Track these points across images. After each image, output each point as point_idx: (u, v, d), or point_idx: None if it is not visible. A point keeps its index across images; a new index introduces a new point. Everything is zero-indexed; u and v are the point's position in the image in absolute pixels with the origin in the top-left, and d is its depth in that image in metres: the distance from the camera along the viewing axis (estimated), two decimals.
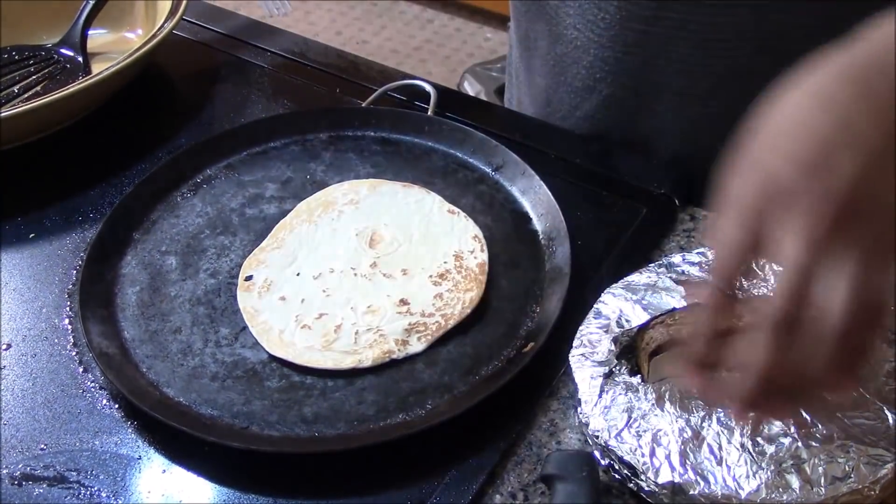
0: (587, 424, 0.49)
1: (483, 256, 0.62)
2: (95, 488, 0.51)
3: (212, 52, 0.86)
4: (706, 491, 0.45)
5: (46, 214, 0.69)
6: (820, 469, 0.44)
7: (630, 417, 0.48)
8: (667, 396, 0.48)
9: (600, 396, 0.50)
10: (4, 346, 0.60)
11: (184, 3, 0.79)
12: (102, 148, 0.75)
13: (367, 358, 0.56)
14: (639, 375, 0.50)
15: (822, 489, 0.44)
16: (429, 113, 0.73)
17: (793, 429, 0.46)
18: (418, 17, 2.51)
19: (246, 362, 0.57)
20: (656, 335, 0.52)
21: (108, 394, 0.56)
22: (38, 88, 0.79)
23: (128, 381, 0.55)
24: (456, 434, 0.52)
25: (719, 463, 0.46)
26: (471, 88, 2.03)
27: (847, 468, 0.44)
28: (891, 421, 0.46)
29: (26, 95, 0.78)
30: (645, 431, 0.47)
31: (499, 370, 0.55)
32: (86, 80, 0.71)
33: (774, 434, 0.46)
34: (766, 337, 0.38)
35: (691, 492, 0.45)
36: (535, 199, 0.66)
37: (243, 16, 0.91)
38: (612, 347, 0.52)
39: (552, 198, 0.64)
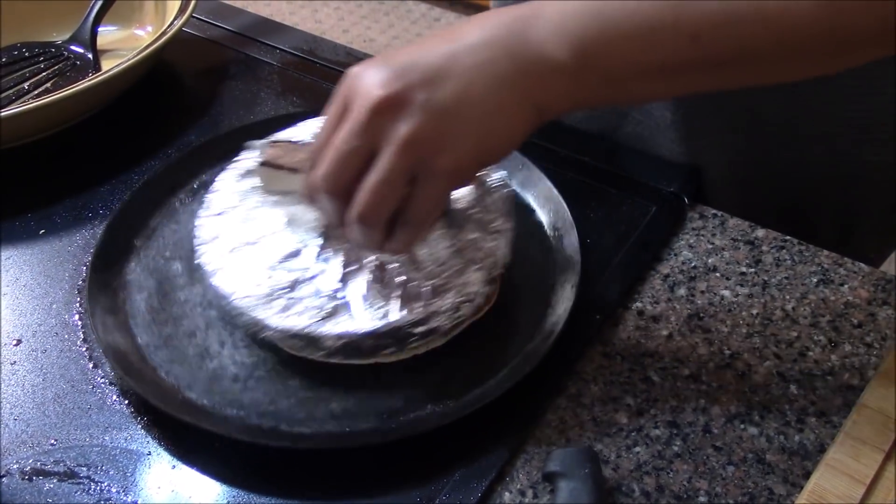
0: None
1: None
2: (105, 483, 0.51)
3: (221, 49, 0.86)
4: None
5: (56, 211, 0.69)
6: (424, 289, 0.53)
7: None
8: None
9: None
10: (15, 342, 0.60)
11: (193, 0, 0.79)
12: (112, 145, 0.76)
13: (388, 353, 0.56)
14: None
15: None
16: None
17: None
18: (425, 16, 2.51)
19: (266, 362, 0.57)
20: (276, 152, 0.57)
21: (117, 389, 0.56)
22: (49, 85, 0.79)
23: (149, 387, 0.54)
24: (465, 432, 0.52)
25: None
26: None
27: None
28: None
29: (36, 92, 0.78)
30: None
31: (524, 358, 0.55)
32: (96, 77, 0.71)
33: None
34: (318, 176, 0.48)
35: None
36: (536, 191, 0.66)
37: (252, 13, 0.91)
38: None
39: (554, 189, 0.65)
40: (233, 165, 0.62)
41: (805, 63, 0.46)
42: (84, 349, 0.59)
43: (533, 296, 0.59)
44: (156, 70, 0.80)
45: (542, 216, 0.65)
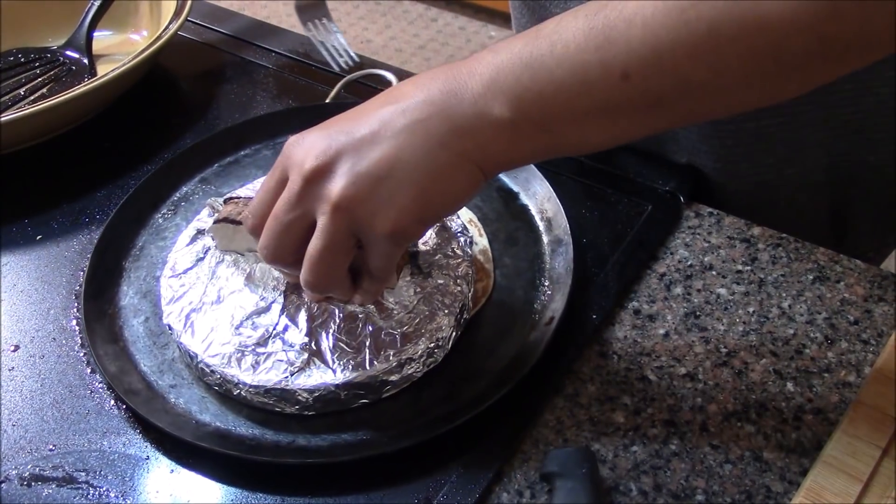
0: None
1: (483, 242, 0.63)
2: (104, 488, 0.52)
3: (216, 52, 0.86)
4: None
5: (53, 216, 0.69)
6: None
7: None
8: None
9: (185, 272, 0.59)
10: (13, 348, 0.60)
11: (188, 4, 0.79)
12: (108, 150, 0.76)
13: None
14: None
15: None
16: None
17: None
18: (422, 16, 2.51)
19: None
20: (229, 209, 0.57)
21: (115, 395, 0.56)
22: (44, 91, 0.79)
23: (160, 415, 0.54)
24: (462, 432, 0.52)
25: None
26: None
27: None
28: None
29: (32, 98, 0.78)
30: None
31: (520, 358, 0.55)
32: (92, 82, 0.71)
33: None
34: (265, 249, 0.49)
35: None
36: (531, 190, 0.66)
37: (247, 16, 0.91)
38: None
39: (537, 172, 0.65)
40: (193, 224, 0.62)
41: (745, 89, 0.43)
42: (82, 354, 0.59)
43: (527, 295, 0.59)
44: (151, 74, 0.81)
45: (526, 199, 0.66)
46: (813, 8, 0.38)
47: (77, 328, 0.61)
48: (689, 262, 0.62)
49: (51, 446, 0.54)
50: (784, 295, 0.60)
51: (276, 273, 0.56)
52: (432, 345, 0.54)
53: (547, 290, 0.59)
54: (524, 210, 0.65)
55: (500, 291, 0.60)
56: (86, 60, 0.82)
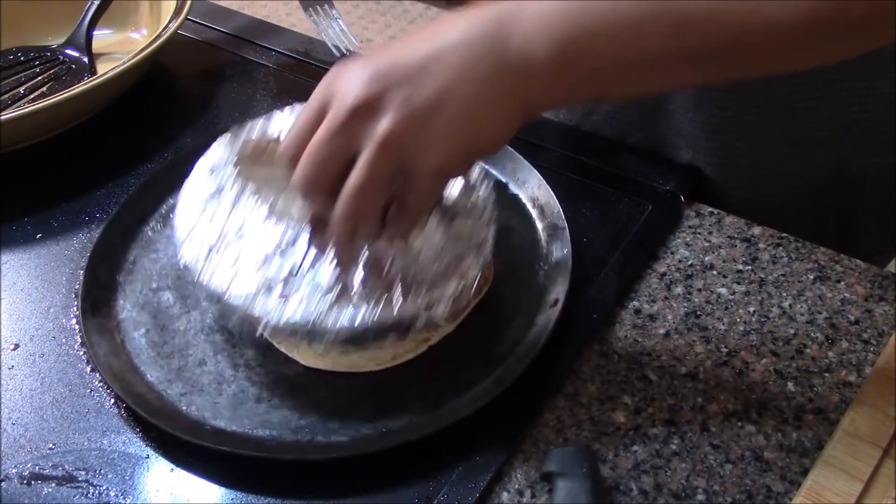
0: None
1: None
2: (104, 487, 0.52)
3: (216, 51, 0.86)
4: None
5: (53, 215, 0.69)
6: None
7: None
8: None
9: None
10: (12, 347, 0.60)
11: (188, 2, 0.79)
12: (108, 148, 0.76)
13: (406, 350, 0.56)
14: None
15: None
16: None
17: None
18: (422, 16, 2.51)
19: (286, 378, 0.56)
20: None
21: (115, 394, 0.56)
22: (44, 89, 0.79)
23: (174, 422, 0.53)
24: (462, 431, 0.52)
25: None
26: None
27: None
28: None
29: (32, 96, 0.78)
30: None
31: (517, 358, 0.55)
32: (91, 81, 0.71)
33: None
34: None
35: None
36: (504, 164, 0.67)
37: (248, 15, 0.91)
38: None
39: (547, 186, 0.65)
40: (204, 159, 0.58)
41: (795, 52, 0.45)
42: (82, 353, 0.59)
43: (526, 294, 0.59)
44: (151, 73, 0.80)
45: (516, 189, 0.66)
46: None
47: (77, 327, 0.60)
48: (689, 262, 0.62)
49: (50, 445, 0.54)
50: (785, 294, 0.60)
51: (300, 205, 0.53)
52: (462, 283, 0.53)
53: (548, 273, 0.60)
54: (515, 199, 0.66)
55: (502, 278, 0.60)
56: (86, 59, 0.82)
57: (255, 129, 0.56)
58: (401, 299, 0.52)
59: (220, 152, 0.57)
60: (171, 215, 0.66)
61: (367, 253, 0.52)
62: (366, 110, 0.45)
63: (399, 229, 0.50)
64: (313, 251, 0.52)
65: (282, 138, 0.53)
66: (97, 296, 0.61)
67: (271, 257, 0.52)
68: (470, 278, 0.54)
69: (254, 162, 0.54)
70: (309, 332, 0.52)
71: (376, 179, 0.46)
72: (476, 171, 0.59)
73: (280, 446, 0.52)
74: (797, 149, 0.70)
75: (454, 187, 0.56)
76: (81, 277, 0.62)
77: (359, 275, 0.52)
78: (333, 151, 0.46)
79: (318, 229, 0.52)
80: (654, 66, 0.45)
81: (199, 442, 0.51)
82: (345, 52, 0.81)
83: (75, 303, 0.62)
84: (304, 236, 0.52)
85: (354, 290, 0.52)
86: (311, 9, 0.82)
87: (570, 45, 0.44)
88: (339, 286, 0.52)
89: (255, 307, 0.52)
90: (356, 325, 0.51)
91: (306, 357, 0.56)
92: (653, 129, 0.73)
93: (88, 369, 0.58)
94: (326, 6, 0.83)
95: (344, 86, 0.45)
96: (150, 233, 0.67)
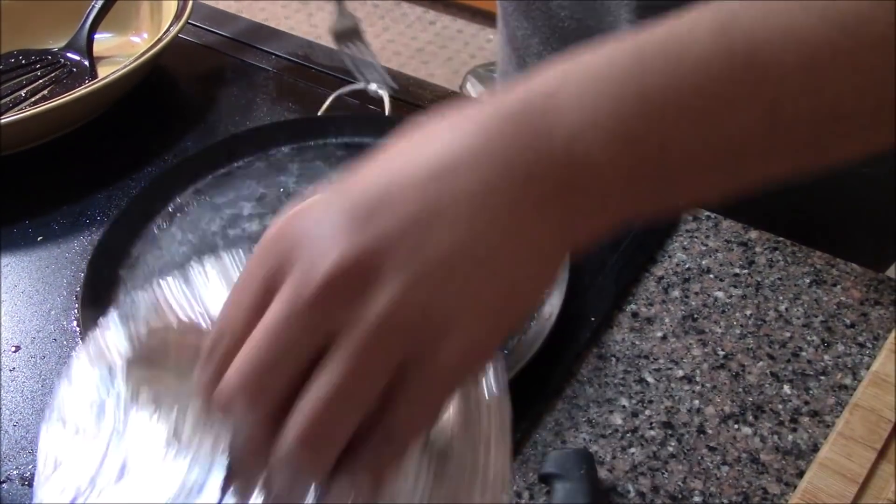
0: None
1: None
2: None
3: (217, 55, 0.86)
4: None
5: (54, 218, 0.70)
6: None
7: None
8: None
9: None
10: (14, 349, 0.60)
11: (189, 6, 0.79)
12: (109, 151, 0.76)
13: None
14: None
15: None
16: (386, 113, 0.74)
17: None
18: (421, 19, 2.52)
19: None
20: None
21: None
22: (45, 92, 0.80)
23: None
24: None
25: None
26: (473, 90, 2.04)
27: None
28: None
29: (33, 99, 0.78)
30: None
31: (527, 341, 0.55)
32: (92, 84, 0.71)
33: None
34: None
35: None
36: None
37: (248, 19, 0.92)
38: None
39: None
40: (91, 344, 0.38)
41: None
42: None
43: None
44: (152, 76, 0.81)
45: None
46: None
47: (78, 329, 0.61)
48: (686, 266, 0.63)
49: None
50: (781, 298, 0.60)
51: (216, 434, 0.34)
52: None
53: (541, 304, 0.59)
54: None
55: None
56: (86, 62, 0.82)
57: (155, 306, 0.37)
58: None
59: (107, 340, 0.38)
60: (178, 216, 0.66)
61: None
62: (349, 284, 0.30)
63: (380, 460, 0.31)
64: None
65: (197, 320, 0.36)
66: (99, 289, 0.62)
67: None
68: None
69: (151, 362, 0.37)
70: None
71: (362, 385, 0.30)
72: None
73: None
74: None
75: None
76: (85, 269, 0.62)
77: None
78: (296, 343, 0.30)
79: (246, 466, 0.33)
80: (745, 158, 0.34)
81: None
82: (380, 91, 0.77)
83: (76, 305, 0.62)
84: (215, 482, 0.34)
85: None
86: (344, 45, 0.81)
87: (640, 135, 0.31)
88: None
89: None
90: None
91: None
92: None
93: None
94: (360, 43, 0.81)
95: (311, 242, 0.30)
96: (155, 230, 0.67)
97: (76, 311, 0.62)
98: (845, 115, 0.34)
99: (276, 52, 0.86)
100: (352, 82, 0.78)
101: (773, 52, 0.31)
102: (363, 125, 0.73)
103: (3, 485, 0.52)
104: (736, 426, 0.53)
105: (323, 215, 0.31)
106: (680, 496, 0.50)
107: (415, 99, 0.78)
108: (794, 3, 0.32)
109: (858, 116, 0.34)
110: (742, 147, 0.33)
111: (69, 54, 0.83)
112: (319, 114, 0.76)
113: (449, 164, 0.31)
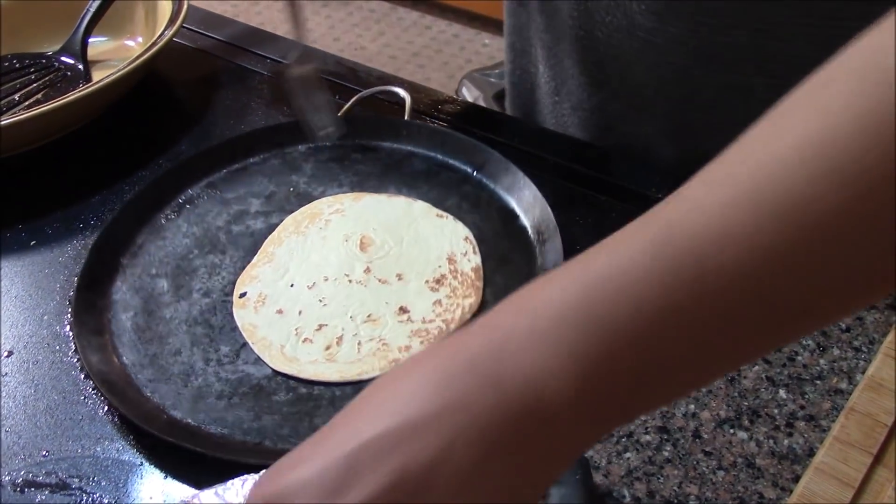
0: None
1: (476, 259, 0.62)
2: (97, 495, 0.52)
3: (211, 59, 0.86)
4: None
5: (47, 222, 0.69)
6: None
7: None
8: None
9: None
10: (6, 354, 0.60)
11: (183, 10, 0.79)
12: (103, 155, 0.76)
13: (374, 368, 0.56)
14: None
15: None
16: (405, 117, 0.74)
17: None
18: (416, 23, 2.52)
19: (251, 378, 0.57)
20: None
21: (109, 401, 0.56)
22: (39, 96, 0.79)
23: (133, 407, 0.54)
24: None
25: None
26: (469, 94, 2.04)
27: None
28: None
29: (27, 103, 0.78)
30: None
31: None
32: (86, 88, 0.71)
33: None
34: None
35: None
36: (520, 195, 0.67)
37: (242, 23, 0.92)
38: None
39: (538, 193, 0.65)
40: None
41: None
42: (76, 360, 0.59)
43: None
44: (146, 80, 0.81)
45: (527, 221, 0.66)
46: None
47: (70, 334, 0.60)
48: None
49: (44, 452, 0.54)
50: None
51: None
52: None
53: None
54: (522, 231, 0.65)
55: (493, 285, 0.61)
56: (81, 66, 0.82)
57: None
58: None
59: None
60: (187, 207, 0.68)
61: None
62: None
63: None
64: None
65: None
66: (98, 273, 0.63)
67: None
68: None
69: None
70: None
71: None
72: None
73: (225, 445, 0.52)
74: None
75: None
76: (87, 254, 0.63)
77: None
78: None
79: None
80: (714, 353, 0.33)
81: (147, 429, 0.52)
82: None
83: (69, 310, 0.62)
84: None
85: None
86: (299, 90, 0.77)
87: (600, 357, 0.31)
88: None
89: None
90: None
91: (275, 360, 0.57)
92: (643, 135, 0.73)
93: (82, 377, 0.58)
94: (317, 92, 0.78)
95: None
96: (162, 220, 0.68)
97: (69, 315, 0.62)
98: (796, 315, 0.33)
99: (271, 56, 0.85)
100: (358, 90, 0.77)
101: (717, 264, 0.31)
102: (380, 128, 0.73)
103: None
104: (732, 431, 0.53)
105: (302, 489, 0.32)
106: (676, 501, 0.50)
107: (452, 111, 0.78)
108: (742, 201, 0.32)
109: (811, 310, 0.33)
110: (699, 363, 0.33)
111: (63, 58, 0.83)
112: (339, 115, 0.76)
113: (409, 423, 0.31)
